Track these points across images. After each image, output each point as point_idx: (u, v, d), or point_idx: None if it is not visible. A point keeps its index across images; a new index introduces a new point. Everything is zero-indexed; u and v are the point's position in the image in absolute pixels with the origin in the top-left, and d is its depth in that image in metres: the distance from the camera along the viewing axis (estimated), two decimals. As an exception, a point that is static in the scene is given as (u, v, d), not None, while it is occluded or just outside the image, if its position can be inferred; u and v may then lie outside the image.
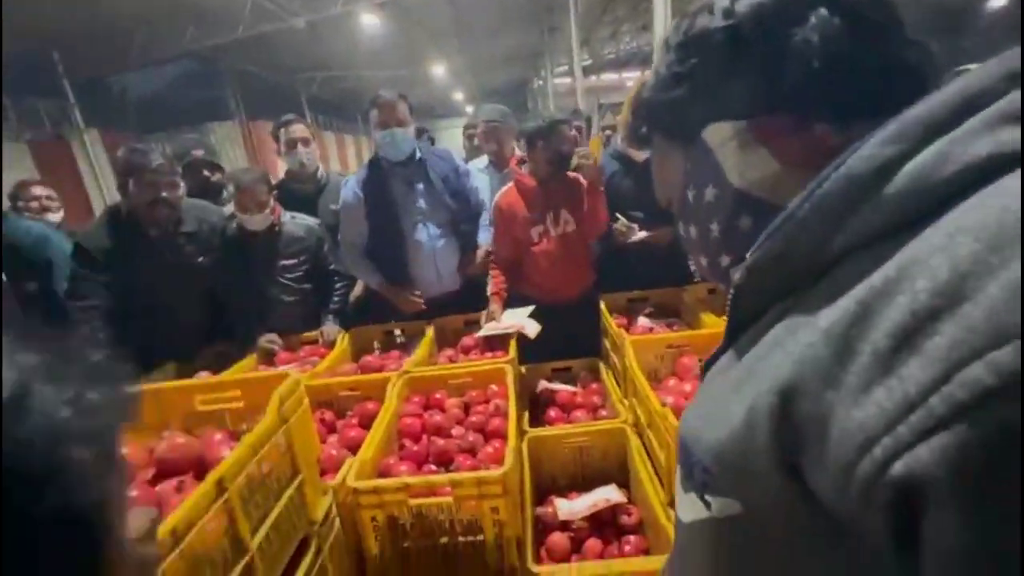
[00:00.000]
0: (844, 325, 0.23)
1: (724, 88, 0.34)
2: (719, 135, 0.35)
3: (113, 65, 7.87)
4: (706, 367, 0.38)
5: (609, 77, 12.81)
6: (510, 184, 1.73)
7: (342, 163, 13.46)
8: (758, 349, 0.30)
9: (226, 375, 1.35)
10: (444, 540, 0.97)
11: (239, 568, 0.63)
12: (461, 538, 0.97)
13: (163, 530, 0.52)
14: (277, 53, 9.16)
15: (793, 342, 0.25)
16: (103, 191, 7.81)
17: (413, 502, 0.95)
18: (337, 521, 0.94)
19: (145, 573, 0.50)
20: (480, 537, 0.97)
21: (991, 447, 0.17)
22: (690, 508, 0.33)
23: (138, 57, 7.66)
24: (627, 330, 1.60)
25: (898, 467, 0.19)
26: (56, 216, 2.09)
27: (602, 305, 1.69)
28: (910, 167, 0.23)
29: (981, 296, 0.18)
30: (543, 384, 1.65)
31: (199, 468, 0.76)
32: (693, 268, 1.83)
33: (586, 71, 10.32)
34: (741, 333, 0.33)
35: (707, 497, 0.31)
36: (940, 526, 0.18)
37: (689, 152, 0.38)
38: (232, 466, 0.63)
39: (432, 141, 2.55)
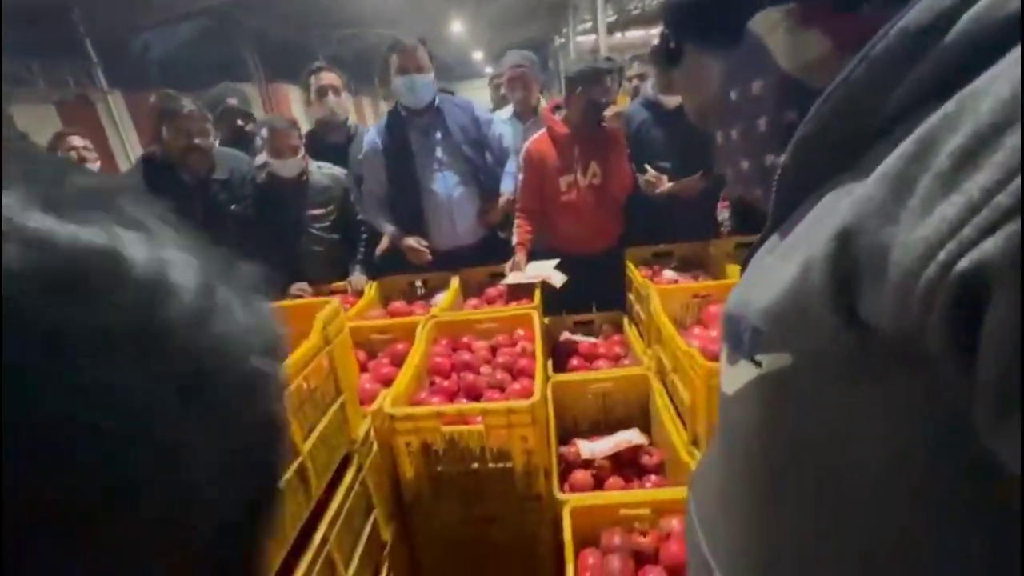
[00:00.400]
0: (902, 164, 0.23)
1: None
2: (767, 22, 0.34)
3: (130, 22, 7.83)
4: (748, 257, 0.38)
5: (635, 34, 12.21)
6: (542, 130, 1.71)
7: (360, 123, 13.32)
8: (809, 219, 0.30)
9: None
10: (475, 466, 1.03)
11: (294, 467, 0.68)
12: (491, 465, 1.02)
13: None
14: (294, 11, 8.97)
15: (848, 199, 0.25)
16: (127, 151, 7.96)
17: (446, 429, 1.00)
18: (375, 444, 1.00)
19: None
20: (509, 464, 1.02)
21: None
22: (737, 378, 0.34)
23: (156, 14, 7.60)
24: (652, 282, 1.60)
25: (962, 264, 0.19)
26: (93, 167, 2.15)
27: (627, 258, 1.69)
28: (971, 12, 0.23)
29: None
30: (565, 335, 1.68)
31: (249, 385, 0.81)
32: (721, 216, 1.79)
33: (611, 28, 9.86)
34: (787, 216, 0.33)
35: (757, 357, 0.32)
36: (1003, 312, 0.19)
37: (730, 52, 0.37)
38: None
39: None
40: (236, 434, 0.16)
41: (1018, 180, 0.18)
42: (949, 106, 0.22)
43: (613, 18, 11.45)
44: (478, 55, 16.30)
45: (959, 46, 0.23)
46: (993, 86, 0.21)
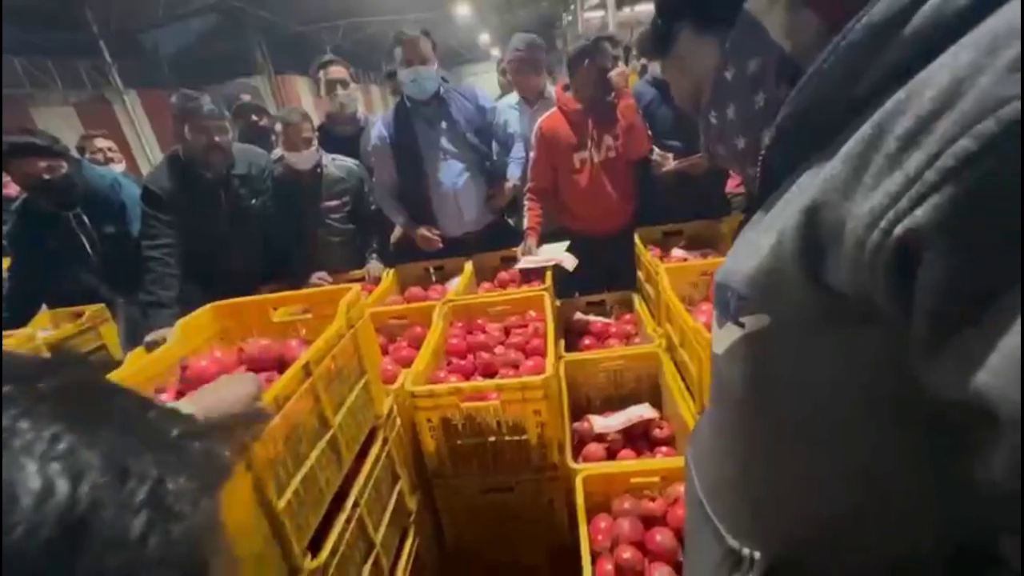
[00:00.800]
0: (861, 146, 0.26)
1: None
2: (763, 1, 0.36)
3: (140, 20, 7.93)
4: (736, 232, 0.42)
5: (644, 9, 11.86)
6: (553, 109, 1.72)
7: (368, 112, 13.37)
8: (785, 197, 0.33)
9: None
10: (492, 439, 1.09)
11: (326, 439, 0.75)
12: (507, 438, 1.08)
13: (267, 398, 0.63)
14: (300, 2, 8.96)
15: (816, 178, 0.29)
16: (145, 148, 8.14)
17: (464, 405, 1.05)
18: (398, 420, 1.06)
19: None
20: (524, 437, 1.07)
21: (973, 197, 0.21)
22: (725, 338, 0.38)
23: (165, 11, 7.68)
24: (661, 261, 1.62)
25: (898, 230, 0.23)
26: (119, 167, 2.24)
27: (636, 237, 1.71)
28: (927, 7, 0.25)
29: (973, 90, 0.21)
30: (578, 315, 1.72)
31: (281, 366, 0.87)
32: (728, 192, 1.79)
33: (619, 2, 9.59)
34: (771, 194, 0.36)
35: (741, 319, 0.36)
36: (931, 265, 0.22)
37: (724, 34, 0.39)
38: (315, 354, 0.73)
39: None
40: None
41: (944, 157, 0.22)
42: (901, 93, 0.25)
43: (622, -8, 11.11)
44: (484, 38, 16.06)
45: (918, 37, 0.26)
46: (936, 75, 0.24)
